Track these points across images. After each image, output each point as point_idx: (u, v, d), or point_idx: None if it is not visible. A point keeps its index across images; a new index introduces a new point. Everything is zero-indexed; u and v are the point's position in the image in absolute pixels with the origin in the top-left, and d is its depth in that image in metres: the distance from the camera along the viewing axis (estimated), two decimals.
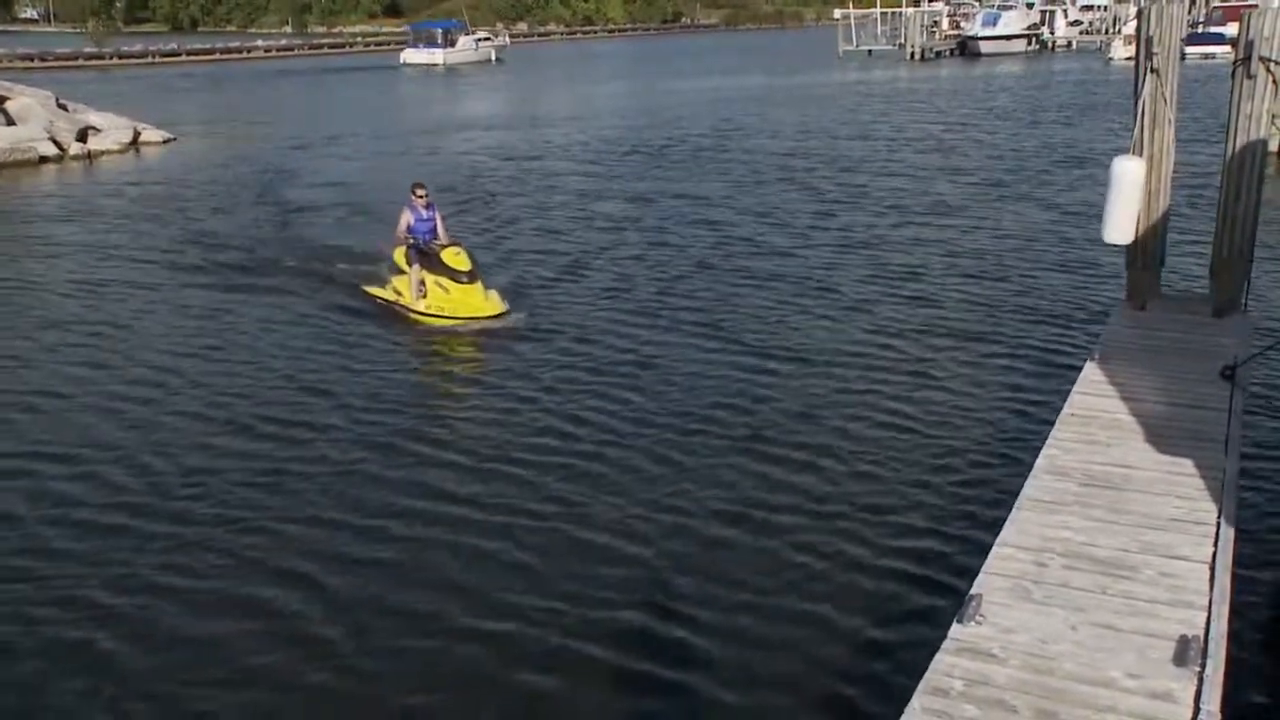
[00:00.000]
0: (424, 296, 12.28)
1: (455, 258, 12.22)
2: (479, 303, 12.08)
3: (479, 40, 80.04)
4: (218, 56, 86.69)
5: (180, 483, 8.18)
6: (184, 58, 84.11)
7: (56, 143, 27.75)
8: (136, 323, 12.70)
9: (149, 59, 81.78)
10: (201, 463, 8.54)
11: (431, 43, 75.80)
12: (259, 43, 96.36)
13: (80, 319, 12.83)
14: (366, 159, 27.84)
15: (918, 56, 65.20)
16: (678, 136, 30.29)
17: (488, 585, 6.62)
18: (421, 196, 12.52)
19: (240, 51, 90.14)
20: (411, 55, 74.91)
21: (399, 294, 12.72)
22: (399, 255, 12.92)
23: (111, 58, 79.61)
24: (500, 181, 23.14)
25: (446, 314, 12.03)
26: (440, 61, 73.36)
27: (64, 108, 30.21)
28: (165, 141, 31.19)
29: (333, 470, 8.37)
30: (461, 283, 12.08)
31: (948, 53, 67.74)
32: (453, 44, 76.11)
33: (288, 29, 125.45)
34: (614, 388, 10.02)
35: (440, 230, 12.72)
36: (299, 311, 12.95)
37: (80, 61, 75.87)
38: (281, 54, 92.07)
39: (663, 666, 5.81)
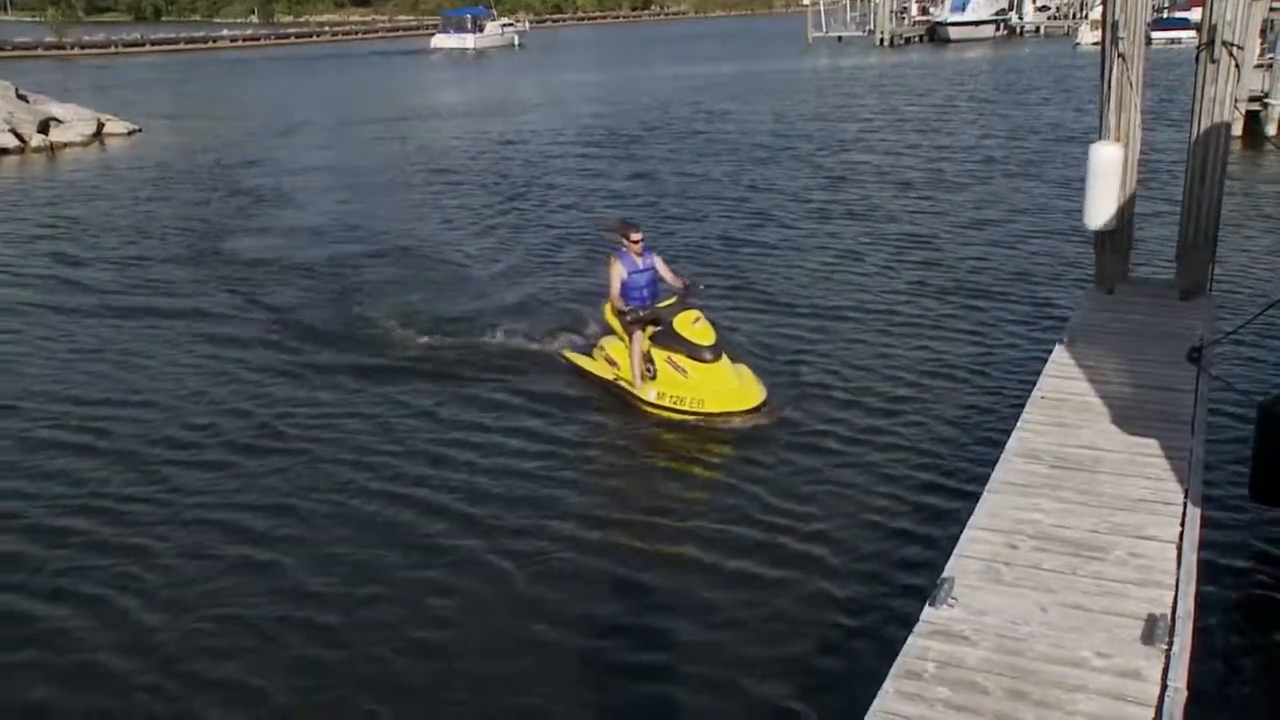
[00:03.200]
0: (652, 378, 9.14)
1: (693, 327, 8.99)
2: (730, 391, 8.87)
3: (504, 26, 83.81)
4: (182, 46, 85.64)
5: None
6: (148, 48, 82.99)
7: (17, 134, 27.34)
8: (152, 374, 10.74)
9: (112, 49, 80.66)
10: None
11: (461, 28, 79.50)
12: (225, 33, 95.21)
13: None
14: (441, 144, 27.76)
15: (887, 42, 65.42)
16: (679, 119, 31.30)
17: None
18: (636, 240, 9.17)
19: (205, 41, 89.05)
20: (442, 40, 78.58)
21: (614, 365, 9.58)
22: (611, 313, 9.62)
23: (73, 48, 78.55)
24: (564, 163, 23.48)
25: (686, 407, 8.87)
26: (470, 46, 77.11)
27: (24, 98, 29.73)
28: (130, 133, 30.78)
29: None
30: (705, 361, 8.90)
31: (917, 39, 67.97)
32: (481, 29, 79.82)
33: (254, 18, 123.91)
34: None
35: (666, 274, 9.46)
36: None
37: (40, 51, 74.79)
38: (248, 44, 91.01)
39: (634, 655, 5.83)
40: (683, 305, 9.21)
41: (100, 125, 30.27)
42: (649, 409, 9.04)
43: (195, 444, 8.81)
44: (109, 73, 58.89)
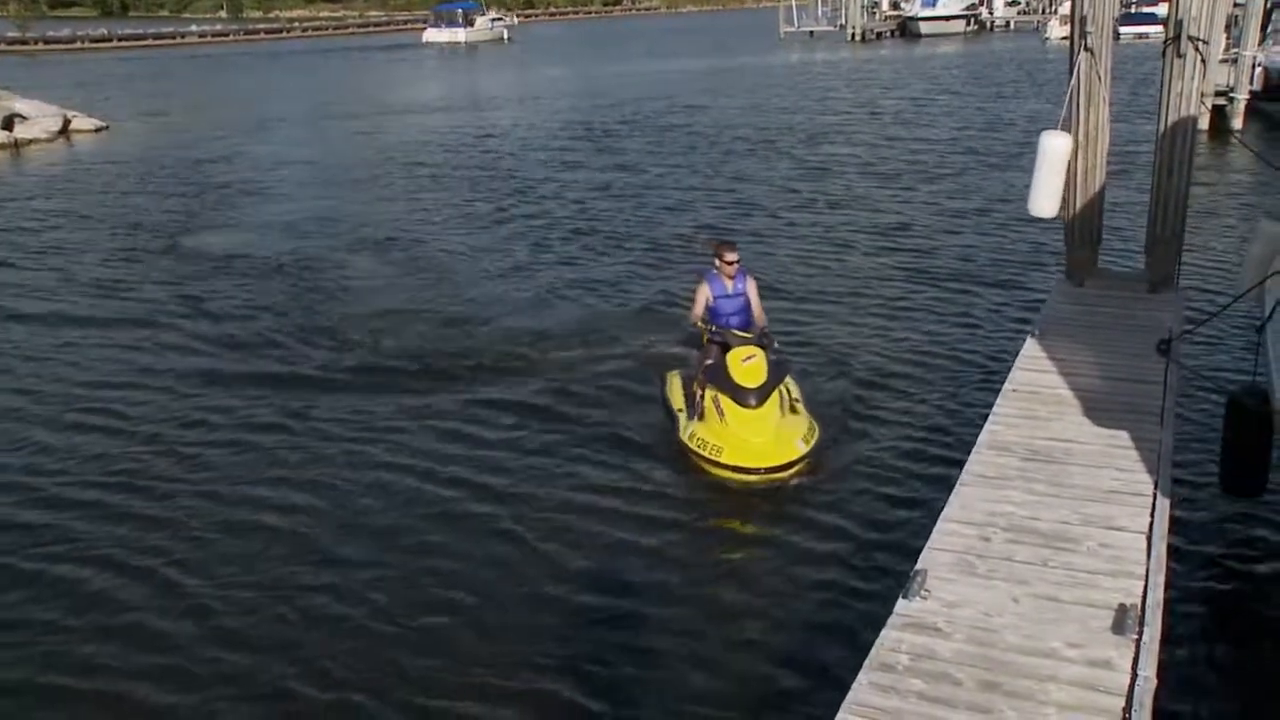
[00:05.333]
0: (699, 417, 8.11)
1: (742, 365, 7.90)
2: (755, 446, 7.64)
3: (493, 20, 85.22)
4: (150, 43, 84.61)
5: None
6: (115, 43, 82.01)
7: None
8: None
9: (78, 44, 79.66)
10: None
11: (453, 23, 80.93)
12: (193, 28, 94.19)
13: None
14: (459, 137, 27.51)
15: (859, 38, 65.59)
16: (658, 112, 31.54)
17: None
18: (731, 262, 8.31)
19: (174, 37, 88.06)
20: (434, 34, 79.78)
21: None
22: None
23: (37, 43, 77.38)
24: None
25: (706, 453, 7.77)
26: (462, 40, 78.56)
27: None
28: (97, 130, 30.39)
29: None
30: (747, 406, 7.77)
31: (888, 34, 68.27)
32: (471, 24, 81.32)
33: (222, 14, 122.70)
34: None
35: (755, 305, 8.54)
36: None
37: (3, 47, 73.62)
38: (217, 40, 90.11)
39: (612, 649, 5.82)
40: (758, 340, 8.22)
41: (66, 122, 29.84)
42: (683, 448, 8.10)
43: (212, 426, 9.07)
44: (75, 69, 58.06)
